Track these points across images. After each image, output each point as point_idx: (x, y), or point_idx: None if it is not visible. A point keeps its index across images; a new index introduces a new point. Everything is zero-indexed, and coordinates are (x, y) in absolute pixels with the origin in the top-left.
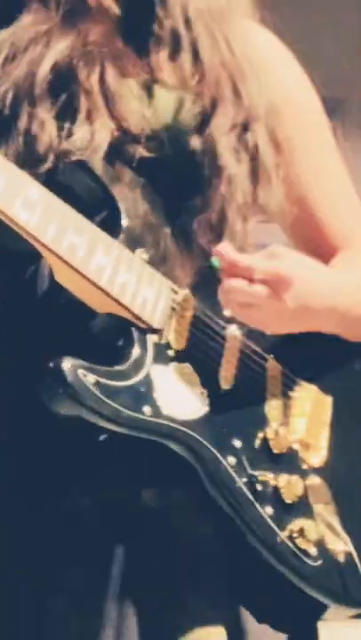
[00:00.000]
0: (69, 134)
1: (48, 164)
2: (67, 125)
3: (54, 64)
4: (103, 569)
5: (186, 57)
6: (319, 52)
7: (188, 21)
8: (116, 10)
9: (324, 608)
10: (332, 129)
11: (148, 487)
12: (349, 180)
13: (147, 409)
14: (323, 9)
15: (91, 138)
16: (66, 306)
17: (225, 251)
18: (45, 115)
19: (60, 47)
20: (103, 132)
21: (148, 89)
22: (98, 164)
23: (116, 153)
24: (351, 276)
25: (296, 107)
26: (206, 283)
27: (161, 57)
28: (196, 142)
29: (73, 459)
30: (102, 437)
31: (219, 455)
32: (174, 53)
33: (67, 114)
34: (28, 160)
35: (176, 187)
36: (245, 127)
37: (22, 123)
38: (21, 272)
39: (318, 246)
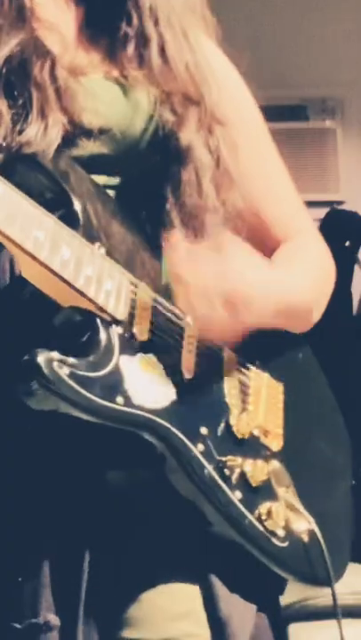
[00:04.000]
0: (23, 128)
1: (1, 157)
2: (21, 119)
3: (6, 58)
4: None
5: (155, 56)
6: (319, 52)
7: (156, 21)
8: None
9: (285, 582)
10: (332, 129)
11: (113, 469)
12: (287, 175)
13: (119, 399)
14: (323, 9)
15: (44, 131)
16: (30, 299)
17: (175, 241)
18: (2, 107)
19: (11, 44)
20: (56, 127)
21: (117, 84)
22: (50, 159)
23: (67, 147)
24: (291, 274)
25: (238, 108)
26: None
27: (128, 53)
28: (177, 141)
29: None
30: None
31: (188, 442)
32: (142, 50)
33: (21, 107)
34: None
35: (141, 181)
36: (210, 130)
37: None
38: None
39: (261, 239)
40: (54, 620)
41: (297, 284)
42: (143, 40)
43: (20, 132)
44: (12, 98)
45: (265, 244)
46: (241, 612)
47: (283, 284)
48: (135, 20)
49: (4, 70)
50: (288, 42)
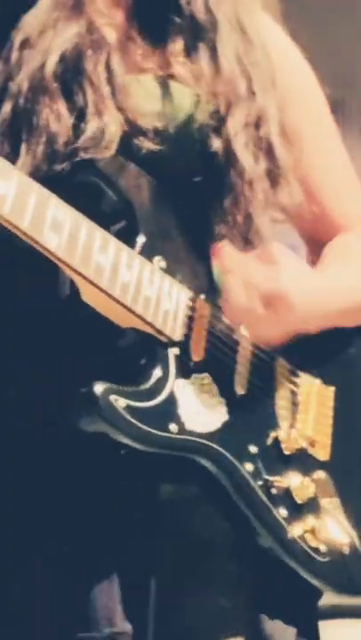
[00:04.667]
0: (81, 130)
1: (64, 164)
2: (79, 119)
3: (62, 54)
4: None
5: (203, 51)
6: (320, 52)
7: (209, 11)
8: None
9: (320, 594)
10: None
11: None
12: (351, 164)
13: (172, 426)
14: (324, 9)
15: (102, 133)
16: (88, 320)
17: (224, 251)
18: (62, 109)
19: (68, 35)
20: (113, 126)
21: (163, 84)
22: (110, 161)
23: (125, 148)
24: (342, 276)
25: (301, 97)
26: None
27: (177, 48)
28: (214, 143)
29: (93, 469)
30: (123, 452)
31: (237, 463)
32: (192, 46)
33: (79, 107)
34: (49, 156)
35: (192, 188)
36: (258, 124)
37: (42, 118)
38: (39, 283)
39: (321, 225)
40: (129, 629)
41: (347, 283)
42: (194, 34)
43: (79, 135)
44: (71, 99)
45: (326, 234)
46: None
47: (332, 287)
48: (186, 12)
49: (59, 69)
50: None
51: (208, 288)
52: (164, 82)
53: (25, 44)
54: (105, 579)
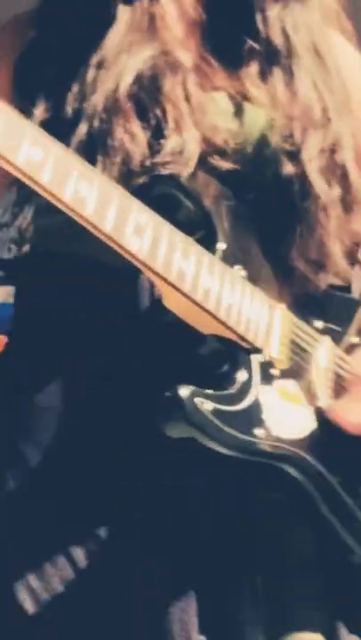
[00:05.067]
0: (159, 147)
1: (142, 178)
2: (155, 138)
3: (137, 75)
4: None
5: (279, 75)
6: None
7: (285, 36)
8: (201, 17)
9: None
10: None
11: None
12: None
13: (258, 432)
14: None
15: (181, 149)
16: (170, 325)
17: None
18: (136, 128)
19: (142, 57)
20: (193, 144)
21: (238, 105)
22: (189, 178)
23: (203, 165)
24: None
25: None
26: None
27: (251, 72)
28: (288, 168)
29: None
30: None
31: (326, 473)
32: (267, 70)
33: (154, 126)
34: (125, 175)
35: (267, 211)
36: (333, 150)
37: (117, 138)
38: (120, 290)
39: None
40: None
41: None
42: (269, 58)
43: (157, 153)
44: (146, 118)
45: None
46: None
47: None
48: (263, 36)
49: (134, 89)
50: None
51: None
52: (239, 102)
53: (100, 65)
54: (184, 593)
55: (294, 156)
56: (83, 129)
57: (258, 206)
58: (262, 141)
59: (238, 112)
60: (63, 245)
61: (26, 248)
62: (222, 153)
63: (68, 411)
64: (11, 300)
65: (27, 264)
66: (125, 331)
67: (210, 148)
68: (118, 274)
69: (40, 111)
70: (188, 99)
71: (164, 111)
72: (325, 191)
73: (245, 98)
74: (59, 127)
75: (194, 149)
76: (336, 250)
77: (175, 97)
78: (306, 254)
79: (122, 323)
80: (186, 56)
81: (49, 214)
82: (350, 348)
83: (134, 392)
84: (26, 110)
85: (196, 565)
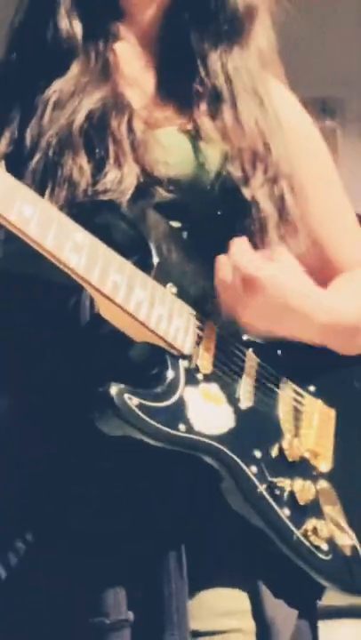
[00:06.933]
0: (101, 179)
1: (85, 204)
2: (99, 170)
3: (88, 112)
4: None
5: (227, 112)
6: (320, 52)
7: (228, 78)
8: (152, 62)
9: (323, 589)
10: (332, 129)
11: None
12: (352, 212)
13: (182, 426)
14: (325, 10)
15: (120, 180)
16: (107, 335)
17: (237, 247)
18: (83, 161)
19: (94, 98)
20: (130, 176)
21: (190, 136)
22: (126, 205)
23: (141, 195)
24: (339, 294)
25: (306, 152)
26: None
27: (201, 109)
28: (245, 193)
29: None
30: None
31: (243, 465)
32: (215, 108)
33: (98, 159)
34: (69, 201)
35: (209, 234)
36: (275, 179)
37: (66, 169)
38: (65, 303)
39: (324, 272)
40: (131, 616)
41: (343, 303)
42: (215, 98)
43: (97, 184)
44: (92, 152)
45: (328, 277)
46: (284, 615)
47: (328, 301)
48: (206, 80)
49: (85, 126)
50: (288, 43)
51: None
52: (190, 135)
53: (56, 105)
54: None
55: (245, 182)
56: (37, 160)
57: (202, 231)
58: (208, 172)
59: (190, 144)
60: (19, 268)
61: None
62: (161, 184)
63: (16, 416)
64: None
65: None
66: (68, 340)
67: (149, 180)
68: (64, 290)
69: (3, 146)
70: (131, 136)
71: (107, 147)
72: (272, 215)
73: (198, 132)
74: (18, 159)
75: (131, 181)
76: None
77: (120, 134)
78: None
79: (65, 333)
80: (135, 96)
81: (11, 241)
82: None
83: (75, 396)
84: None
85: (123, 540)
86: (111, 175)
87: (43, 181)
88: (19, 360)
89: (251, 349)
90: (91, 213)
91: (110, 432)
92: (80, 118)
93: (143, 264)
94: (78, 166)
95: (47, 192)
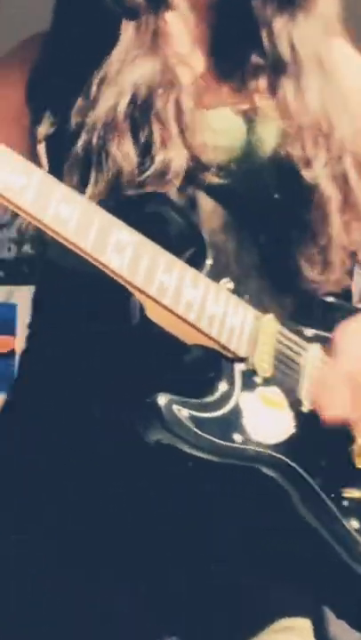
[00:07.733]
0: (148, 165)
1: (130, 194)
2: (144, 156)
3: (135, 92)
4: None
5: (288, 86)
6: None
7: (293, 49)
8: (207, 34)
9: None
10: None
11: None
12: None
13: (237, 437)
14: None
15: (166, 167)
16: (157, 338)
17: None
18: (128, 146)
19: (141, 72)
20: (178, 162)
21: (246, 119)
22: (176, 194)
23: (190, 180)
24: None
25: None
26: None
27: (259, 86)
28: (306, 176)
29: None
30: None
31: (306, 475)
32: (275, 83)
33: (144, 144)
34: (114, 190)
35: (269, 222)
36: (339, 157)
37: (111, 156)
38: (115, 302)
39: None
40: None
41: None
42: (277, 71)
43: (145, 171)
44: (138, 136)
45: None
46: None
47: None
48: (269, 51)
49: (131, 107)
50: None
51: (293, 315)
52: (247, 116)
53: (102, 81)
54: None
55: (306, 163)
56: (81, 144)
57: (258, 218)
58: (276, 155)
59: (244, 126)
60: (69, 262)
61: (25, 248)
62: (211, 169)
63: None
64: (12, 300)
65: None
66: (117, 342)
67: (198, 166)
68: (114, 287)
69: (45, 127)
70: (178, 117)
71: (152, 131)
72: (335, 198)
73: (254, 112)
74: (61, 141)
75: (180, 167)
76: (337, 258)
77: (165, 116)
78: (310, 262)
79: (115, 334)
80: (186, 72)
81: None
82: None
83: (122, 402)
84: (36, 123)
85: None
86: (158, 161)
87: (86, 166)
88: (65, 361)
89: (315, 345)
90: (138, 202)
91: (154, 440)
92: (126, 99)
93: (196, 258)
94: (124, 153)
95: (92, 179)
